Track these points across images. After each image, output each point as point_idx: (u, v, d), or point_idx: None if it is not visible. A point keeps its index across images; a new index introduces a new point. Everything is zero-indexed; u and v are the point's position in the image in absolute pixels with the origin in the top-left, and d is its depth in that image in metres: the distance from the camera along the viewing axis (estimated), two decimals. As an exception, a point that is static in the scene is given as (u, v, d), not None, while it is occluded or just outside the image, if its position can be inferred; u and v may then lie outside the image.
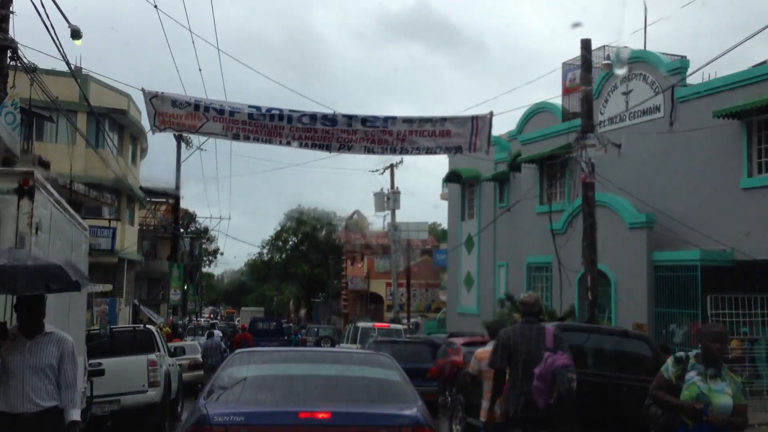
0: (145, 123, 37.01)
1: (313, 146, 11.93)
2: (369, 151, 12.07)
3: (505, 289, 25.61)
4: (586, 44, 12.16)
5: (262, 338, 26.33)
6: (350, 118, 11.81)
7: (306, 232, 59.05)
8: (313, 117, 11.73)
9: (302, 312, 64.87)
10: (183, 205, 45.60)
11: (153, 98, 11.36)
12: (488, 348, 6.97)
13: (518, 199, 23.69)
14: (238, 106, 11.58)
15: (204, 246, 62.29)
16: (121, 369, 10.94)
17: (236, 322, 56.22)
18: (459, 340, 16.88)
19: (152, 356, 11.29)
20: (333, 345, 27.50)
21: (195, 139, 32.72)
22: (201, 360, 19.11)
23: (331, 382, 5.32)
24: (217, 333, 26.28)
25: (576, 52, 14.96)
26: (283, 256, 61.13)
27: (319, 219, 60.22)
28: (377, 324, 22.15)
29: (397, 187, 32.70)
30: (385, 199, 32.92)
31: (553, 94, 22.96)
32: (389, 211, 33.53)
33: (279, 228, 61.57)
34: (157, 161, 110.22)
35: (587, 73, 12.05)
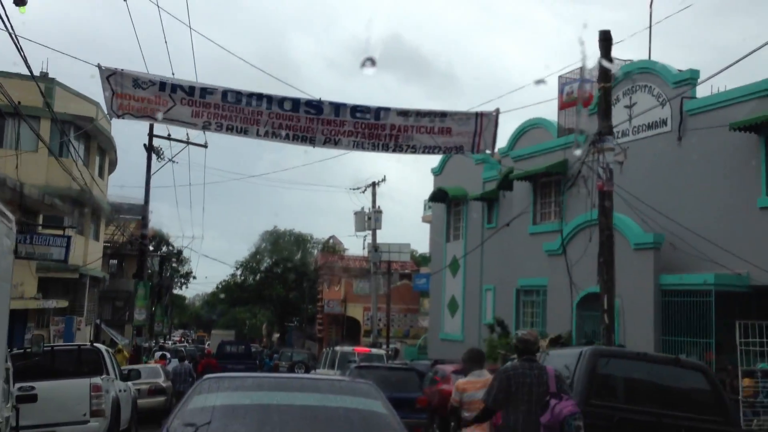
0: (116, 134, 35.26)
1: (295, 138, 10.41)
2: (358, 146, 10.58)
3: (492, 314, 24.17)
4: (605, 35, 10.83)
5: (229, 361, 25.73)
6: (338, 106, 10.34)
7: (281, 253, 57.31)
8: (296, 103, 10.24)
9: (275, 336, 62.83)
10: (154, 226, 43.80)
11: (111, 76, 9.79)
12: (470, 379, 6.64)
13: (508, 218, 22.34)
14: (210, 87, 10.06)
15: (174, 266, 60.07)
16: (58, 394, 9.19)
17: (206, 346, 54.11)
18: (448, 368, 15.29)
19: (96, 380, 9.49)
20: (308, 370, 25.98)
21: (167, 149, 31.09)
22: (162, 385, 17.41)
23: (308, 412, 4.82)
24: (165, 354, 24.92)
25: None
26: (257, 278, 59.17)
27: (295, 241, 58.65)
28: (357, 348, 20.50)
29: (378, 206, 31.24)
30: (366, 218, 31.43)
31: (538, 114, 21.73)
32: (369, 232, 32.04)
33: (254, 249, 59.73)
34: (127, 183, 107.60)
35: (606, 66, 10.72)
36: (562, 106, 21.15)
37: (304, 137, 10.44)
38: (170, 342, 57.24)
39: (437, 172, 29.23)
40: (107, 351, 11.27)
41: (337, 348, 19.85)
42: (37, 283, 24.37)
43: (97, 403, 9.24)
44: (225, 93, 10.07)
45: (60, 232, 17.63)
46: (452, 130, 10.69)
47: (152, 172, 28.85)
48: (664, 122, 17.18)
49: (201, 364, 21.97)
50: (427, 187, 29.35)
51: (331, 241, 59.63)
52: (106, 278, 35.89)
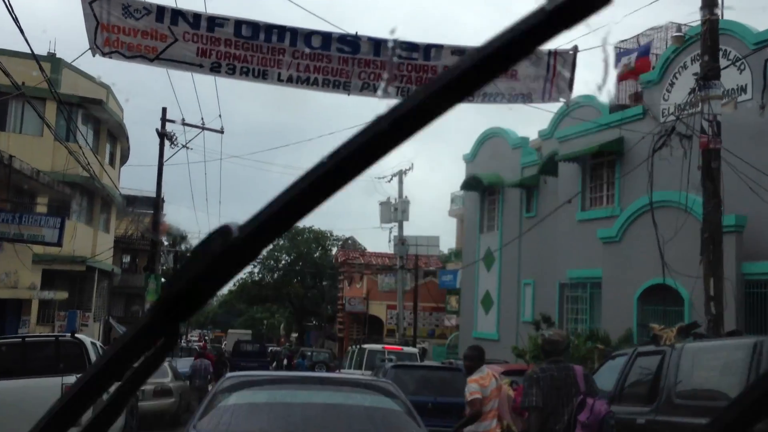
0: (128, 120, 33.56)
1: (325, 84, 8.42)
2: (404, 93, 8.57)
3: (531, 310, 22.08)
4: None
5: (243, 359, 27.32)
6: (378, 43, 8.33)
7: (300, 250, 55.53)
8: (327, 38, 8.24)
9: (294, 336, 61.11)
10: (170, 223, 42.14)
11: (95, 1, 7.87)
12: (479, 375, 6.63)
13: (552, 207, 20.22)
14: (220, 17, 8.10)
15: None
16: (22, 397, 7.28)
17: (222, 345, 52.59)
18: (497, 368, 13.25)
19: (71, 379, 7.51)
20: (329, 371, 24.15)
21: (180, 135, 29.23)
22: (169, 386, 15.68)
23: (330, 410, 4.84)
24: None
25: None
26: (275, 276, 57.36)
27: (314, 239, 56.88)
28: (388, 346, 18.49)
29: (406, 196, 29.17)
30: (392, 209, 29.38)
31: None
32: (395, 224, 29.99)
33: (271, 246, 57.94)
34: (143, 178, 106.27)
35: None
36: (618, 78, 19.02)
37: (337, 82, 8.46)
38: (184, 342, 55.68)
39: (469, 159, 27.15)
40: (94, 344, 9.30)
41: (365, 346, 17.85)
42: (41, 274, 22.71)
43: (74, 409, 7.26)
44: (239, 24, 8.12)
45: (54, 214, 15.81)
46: (518, 73, 8.65)
47: (165, 159, 27.07)
48: (743, 89, 15.00)
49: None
50: (451, 181, 27.30)
51: (349, 241, 57.87)
52: (117, 272, 34.18)
